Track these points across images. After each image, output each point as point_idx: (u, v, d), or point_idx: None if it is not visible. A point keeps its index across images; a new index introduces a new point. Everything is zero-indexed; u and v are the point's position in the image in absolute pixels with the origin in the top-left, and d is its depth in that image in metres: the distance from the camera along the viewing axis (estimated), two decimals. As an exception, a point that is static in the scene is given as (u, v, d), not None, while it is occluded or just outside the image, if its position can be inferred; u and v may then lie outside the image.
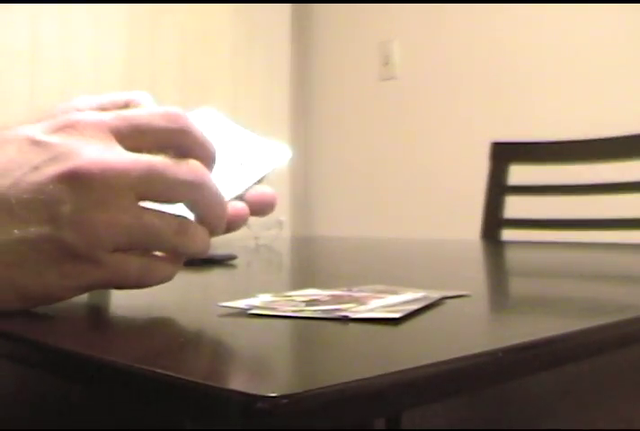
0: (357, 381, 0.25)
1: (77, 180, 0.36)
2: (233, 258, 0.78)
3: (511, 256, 1.06)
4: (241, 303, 0.41)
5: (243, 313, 0.39)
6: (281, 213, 1.26)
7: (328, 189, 2.69)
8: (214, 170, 0.42)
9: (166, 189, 0.39)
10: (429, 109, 2.40)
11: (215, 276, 0.67)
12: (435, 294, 0.44)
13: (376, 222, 2.47)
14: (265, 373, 0.28)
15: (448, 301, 0.44)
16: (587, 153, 1.41)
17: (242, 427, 0.24)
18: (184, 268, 0.42)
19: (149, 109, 0.41)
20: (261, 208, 0.45)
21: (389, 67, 2.51)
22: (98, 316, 0.42)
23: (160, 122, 0.40)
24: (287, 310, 0.39)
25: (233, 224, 0.43)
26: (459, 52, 2.33)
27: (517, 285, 0.64)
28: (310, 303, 0.42)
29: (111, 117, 0.39)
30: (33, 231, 0.36)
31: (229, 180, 0.45)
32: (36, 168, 0.37)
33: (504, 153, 1.48)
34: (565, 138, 1.43)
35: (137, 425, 0.30)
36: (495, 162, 1.47)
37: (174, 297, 0.42)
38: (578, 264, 0.84)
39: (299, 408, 0.24)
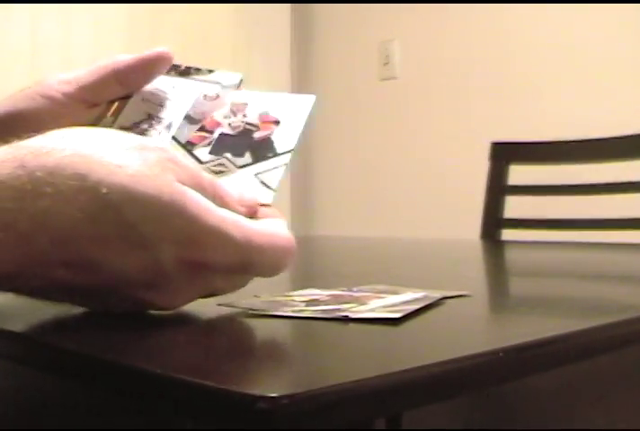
0: (357, 381, 0.25)
1: None
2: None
3: (511, 256, 1.06)
4: (241, 303, 0.41)
5: (243, 313, 0.39)
6: (281, 212, 1.25)
7: (328, 188, 2.69)
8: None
9: None
10: (429, 109, 2.40)
11: (215, 276, 0.67)
12: (435, 294, 0.44)
13: (375, 222, 2.47)
14: (265, 373, 0.28)
15: (448, 301, 0.44)
16: (587, 153, 1.41)
17: (242, 427, 0.24)
18: None
19: (277, 237, 0.37)
20: None
21: (389, 67, 2.51)
22: (97, 316, 0.42)
23: (276, 257, 0.37)
24: (287, 310, 0.39)
25: None
26: (459, 52, 2.33)
27: (517, 285, 0.64)
28: (310, 303, 0.42)
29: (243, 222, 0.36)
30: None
31: (278, 139, 0.44)
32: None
33: (504, 154, 1.48)
34: (565, 138, 1.43)
35: (137, 425, 0.30)
36: (495, 162, 1.47)
37: (174, 297, 0.43)
38: (578, 264, 0.84)
39: (299, 408, 0.24)
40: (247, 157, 0.44)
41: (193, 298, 0.38)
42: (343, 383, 0.25)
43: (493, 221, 1.44)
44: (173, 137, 0.46)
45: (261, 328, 0.37)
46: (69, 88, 0.46)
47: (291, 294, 0.46)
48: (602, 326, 0.38)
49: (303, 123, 0.45)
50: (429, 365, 0.28)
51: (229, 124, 0.46)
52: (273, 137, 0.44)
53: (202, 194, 0.35)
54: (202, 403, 0.25)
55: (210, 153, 0.45)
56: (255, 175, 0.43)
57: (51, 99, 0.45)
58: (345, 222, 2.59)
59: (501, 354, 0.31)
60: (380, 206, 2.49)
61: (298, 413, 0.23)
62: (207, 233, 0.34)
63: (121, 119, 0.46)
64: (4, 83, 2.08)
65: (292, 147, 0.44)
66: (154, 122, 0.45)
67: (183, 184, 0.35)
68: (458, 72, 2.32)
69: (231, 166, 0.44)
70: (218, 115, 0.47)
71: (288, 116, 0.45)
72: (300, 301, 0.43)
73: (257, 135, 0.45)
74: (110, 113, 0.46)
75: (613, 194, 1.35)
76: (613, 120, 1.89)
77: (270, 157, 0.43)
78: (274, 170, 0.43)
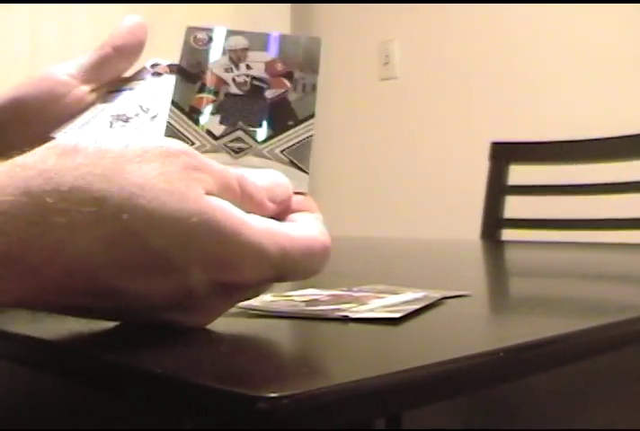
0: (357, 381, 0.25)
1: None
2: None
3: (511, 256, 1.05)
4: (241, 303, 0.41)
5: (243, 313, 0.39)
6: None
7: (327, 188, 2.69)
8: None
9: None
10: (429, 109, 2.40)
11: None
12: (435, 294, 0.44)
13: (375, 221, 2.47)
14: (265, 373, 0.28)
15: (448, 301, 0.44)
16: (587, 153, 1.40)
17: (242, 427, 0.24)
18: None
19: (312, 242, 0.34)
20: None
21: (389, 67, 2.51)
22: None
23: (310, 265, 0.34)
24: (287, 310, 0.39)
25: None
26: (459, 52, 2.33)
27: (517, 285, 0.64)
28: (310, 303, 0.42)
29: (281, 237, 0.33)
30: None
31: (295, 99, 0.37)
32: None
33: (504, 154, 1.48)
34: (565, 138, 1.43)
35: (137, 425, 0.30)
36: (495, 162, 1.47)
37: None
38: (578, 264, 0.84)
39: (299, 408, 0.23)
40: (265, 127, 0.37)
41: (224, 312, 0.36)
42: (343, 383, 0.25)
43: (493, 221, 1.44)
44: (174, 103, 0.39)
45: (261, 328, 0.37)
46: (72, 69, 0.44)
47: (291, 294, 0.45)
48: (602, 326, 0.38)
49: (317, 75, 0.38)
50: (429, 365, 0.28)
51: (234, 80, 0.38)
52: (290, 97, 0.37)
53: (231, 199, 0.32)
54: (202, 403, 0.25)
55: (222, 123, 0.38)
56: (282, 153, 0.37)
57: (54, 80, 0.43)
58: (345, 222, 2.59)
59: (501, 354, 0.31)
60: (380, 206, 2.49)
61: (298, 413, 0.23)
62: (240, 252, 0.31)
63: (113, 109, 0.44)
64: (4, 83, 2.08)
65: (313, 111, 0.37)
66: (141, 113, 0.43)
67: (212, 193, 0.32)
68: (459, 72, 2.32)
69: (250, 141, 0.37)
70: (218, 67, 0.39)
71: (299, 65, 0.38)
72: (300, 301, 0.43)
73: (269, 94, 0.38)
74: (102, 101, 0.45)
75: (613, 194, 1.34)
76: (613, 120, 1.89)
77: (291, 126, 0.37)
78: (300, 144, 0.37)
